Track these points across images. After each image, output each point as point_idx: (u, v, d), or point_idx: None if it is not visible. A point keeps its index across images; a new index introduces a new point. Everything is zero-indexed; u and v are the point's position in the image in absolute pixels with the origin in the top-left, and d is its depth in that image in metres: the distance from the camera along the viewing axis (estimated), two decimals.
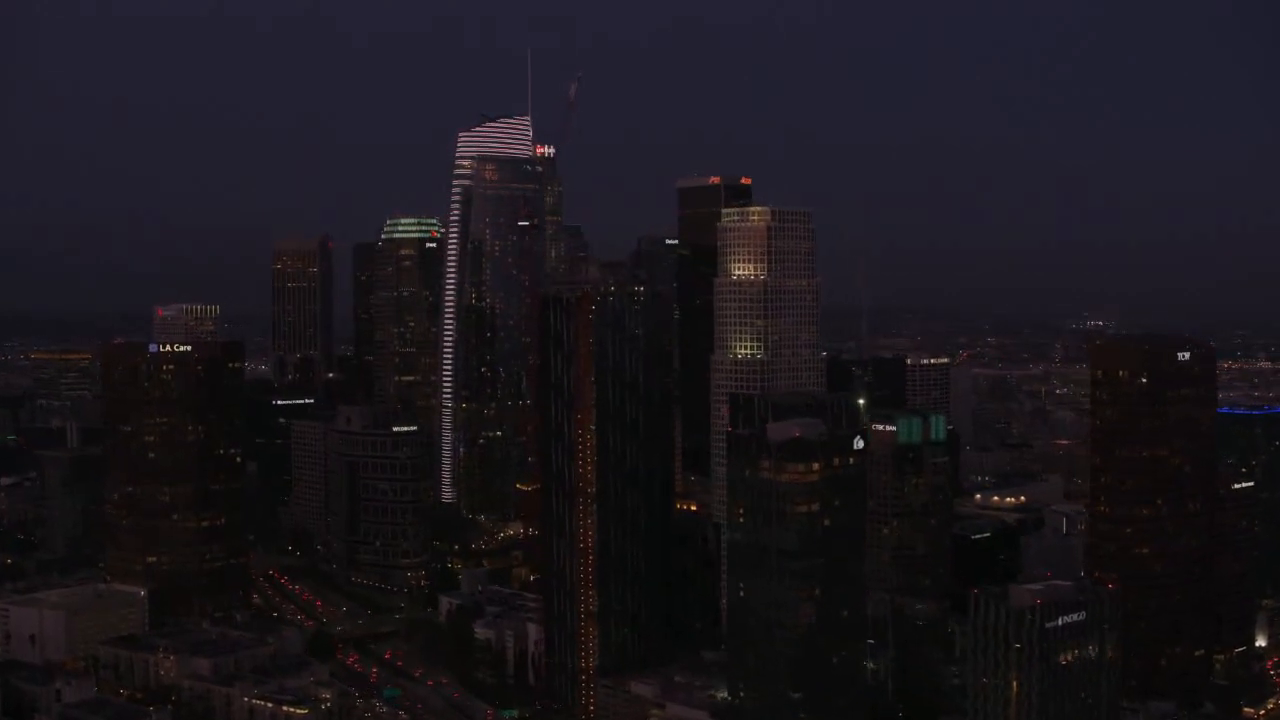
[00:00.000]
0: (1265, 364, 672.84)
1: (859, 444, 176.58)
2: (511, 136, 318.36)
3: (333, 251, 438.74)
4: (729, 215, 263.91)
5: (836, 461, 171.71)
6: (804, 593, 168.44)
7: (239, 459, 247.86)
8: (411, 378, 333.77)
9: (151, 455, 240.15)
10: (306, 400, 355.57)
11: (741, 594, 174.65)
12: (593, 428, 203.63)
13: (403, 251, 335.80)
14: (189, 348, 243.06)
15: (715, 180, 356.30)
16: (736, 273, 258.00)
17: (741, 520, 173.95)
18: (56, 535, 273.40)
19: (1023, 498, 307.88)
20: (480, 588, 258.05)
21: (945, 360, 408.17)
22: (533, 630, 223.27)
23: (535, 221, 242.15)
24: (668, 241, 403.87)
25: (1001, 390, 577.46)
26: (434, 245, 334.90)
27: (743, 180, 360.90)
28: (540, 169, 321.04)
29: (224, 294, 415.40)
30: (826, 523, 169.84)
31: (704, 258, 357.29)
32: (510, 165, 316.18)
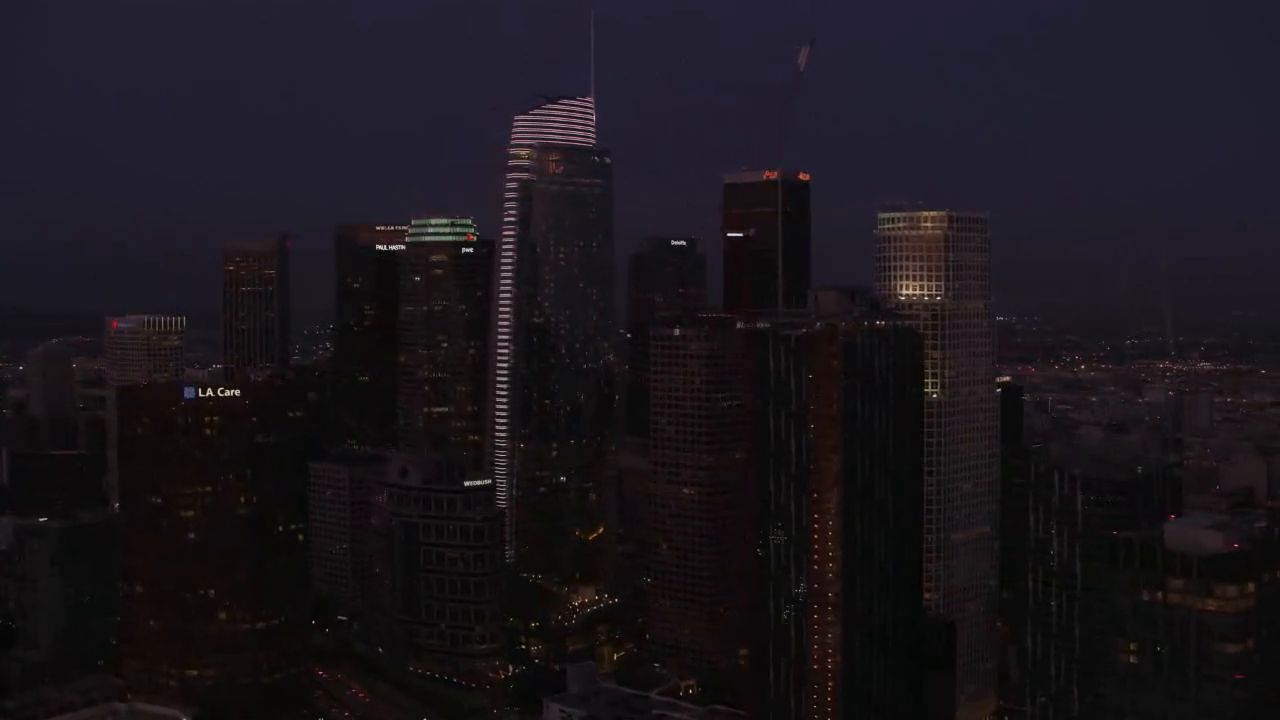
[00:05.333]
0: (1205, 365, 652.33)
1: None
2: (575, 121, 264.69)
3: (290, 251, 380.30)
4: (890, 221, 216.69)
5: (1266, 577, 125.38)
6: None
7: (301, 536, 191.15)
8: (444, 409, 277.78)
9: (191, 535, 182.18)
10: None
11: None
12: (837, 512, 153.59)
13: (433, 257, 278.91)
14: (237, 392, 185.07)
15: (770, 175, 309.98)
16: (904, 292, 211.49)
17: (1133, 658, 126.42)
18: (45, 629, 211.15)
19: None
20: (595, 689, 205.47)
21: (1008, 379, 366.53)
22: None
23: (751, 230, 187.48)
24: (673, 243, 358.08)
25: None
26: (470, 250, 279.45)
27: (800, 176, 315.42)
28: (609, 160, 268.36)
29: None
30: (1258, 660, 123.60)
31: (752, 261, 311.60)
32: (575, 156, 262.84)
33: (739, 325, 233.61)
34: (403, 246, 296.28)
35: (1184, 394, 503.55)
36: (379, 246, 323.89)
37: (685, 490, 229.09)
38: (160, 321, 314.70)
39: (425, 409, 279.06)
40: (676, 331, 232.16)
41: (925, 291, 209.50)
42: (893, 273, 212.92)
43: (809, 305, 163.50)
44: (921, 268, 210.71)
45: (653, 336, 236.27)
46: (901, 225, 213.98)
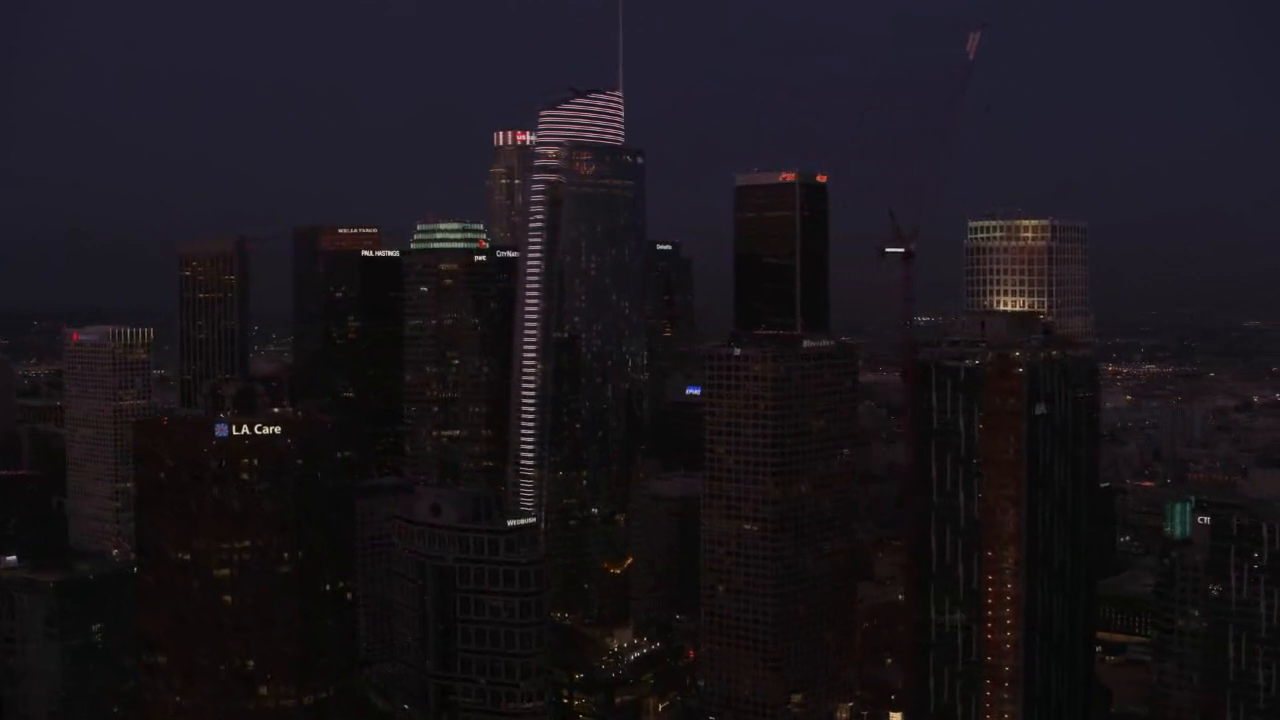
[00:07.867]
0: (1149, 367, 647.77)
1: None
2: (604, 117, 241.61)
3: (250, 254, 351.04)
4: (985, 230, 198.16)
5: None
6: None
7: (349, 595, 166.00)
8: (455, 432, 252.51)
9: (227, 597, 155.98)
10: None
11: None
12: (1014, 574, 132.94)
13: (443, 266, 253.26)
14: (278, 429, 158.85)
15: (788, 177, 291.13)
16: (1001, 308, 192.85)
17: None
18: (38, 699, 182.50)
19: None
20: None
21: None
22: None
23: (913, 246, 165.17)
24: (659, 246, 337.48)
25: None
26: (483, 258, 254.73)
27: (818, 178, 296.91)
28: (641, 160, 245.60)
29: None
30: None
31: (763, 268, 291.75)
32: (606, 155, 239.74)
33: (806, 344, 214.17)
34: (392, 252, 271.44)
35: (1176, 401, 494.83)
36: (365, 252, 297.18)
37: (746, 526, 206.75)
38: (126, 333, 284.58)
39: (434, 432, 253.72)
40: (737, 351, 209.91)
41: (1026, 307, 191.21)
42: (988, 287, 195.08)
43: (973, 328, 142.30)
44: (1021, 282, 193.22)
45: (709, 356, 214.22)
46: (998, 235, 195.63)
